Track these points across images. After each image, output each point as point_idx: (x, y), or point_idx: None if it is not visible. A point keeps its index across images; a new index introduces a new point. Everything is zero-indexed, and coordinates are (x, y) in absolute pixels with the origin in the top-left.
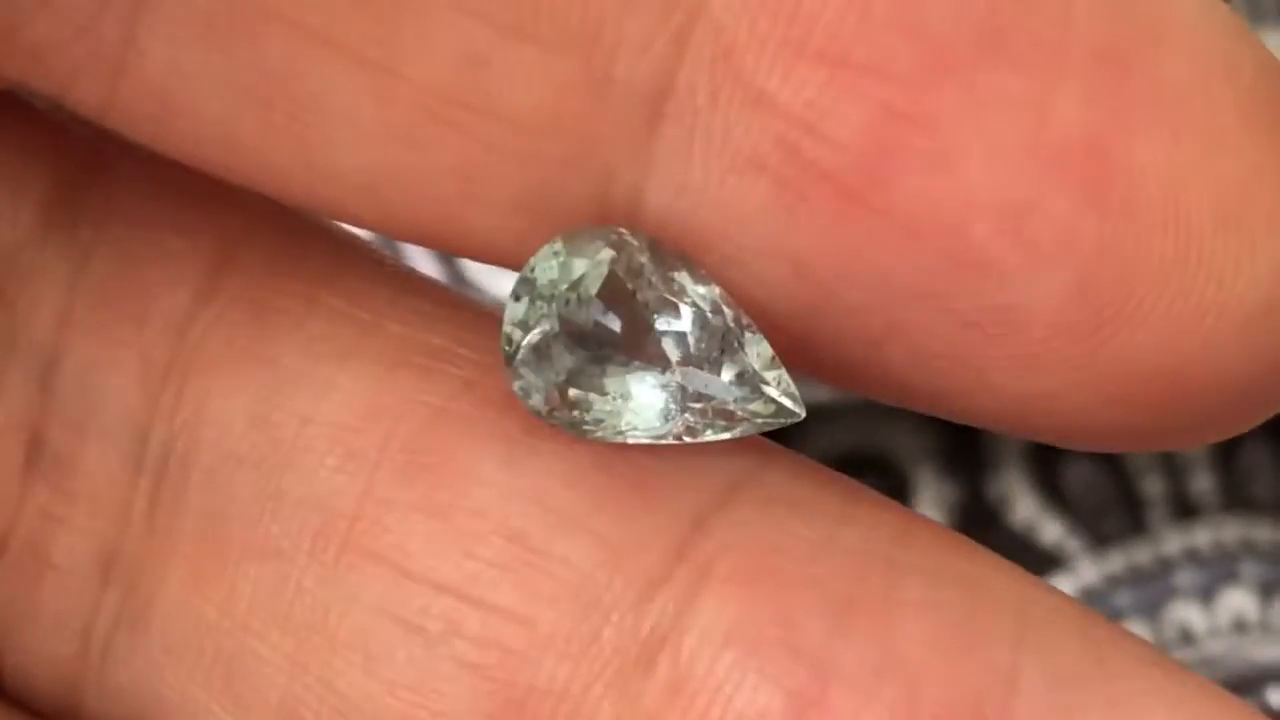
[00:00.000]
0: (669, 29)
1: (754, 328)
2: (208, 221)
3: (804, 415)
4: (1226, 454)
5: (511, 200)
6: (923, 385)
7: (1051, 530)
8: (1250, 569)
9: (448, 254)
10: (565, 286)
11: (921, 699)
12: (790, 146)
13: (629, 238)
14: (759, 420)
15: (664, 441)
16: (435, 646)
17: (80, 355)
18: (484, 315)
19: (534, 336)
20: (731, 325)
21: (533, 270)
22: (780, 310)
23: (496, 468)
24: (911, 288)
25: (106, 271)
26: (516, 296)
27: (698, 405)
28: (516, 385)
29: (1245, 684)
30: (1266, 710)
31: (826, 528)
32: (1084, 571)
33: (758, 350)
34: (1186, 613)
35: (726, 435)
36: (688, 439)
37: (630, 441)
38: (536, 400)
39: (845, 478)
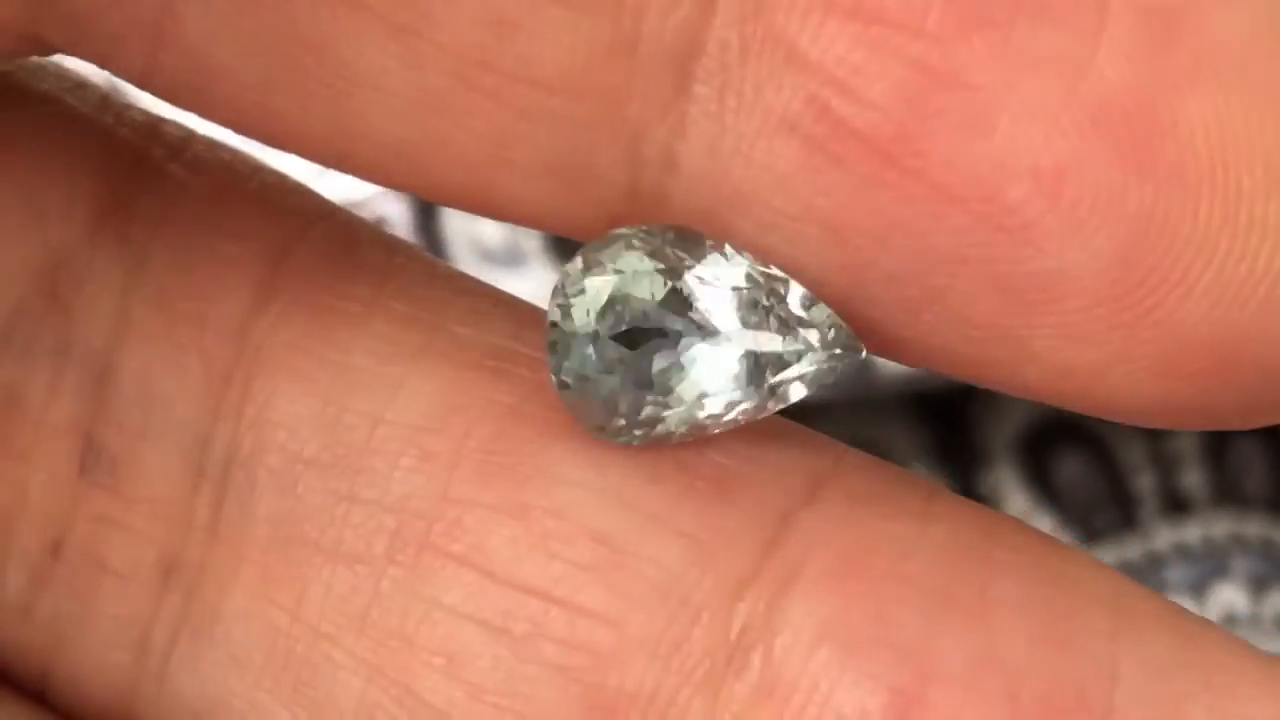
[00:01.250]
0: None
1: (787, 278)
2: (260, 226)
3: (864, 350)
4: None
5: (543, 164)
6: (965, 354)
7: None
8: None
9: (484, 217)
10: (601, 293)
11: (1023, 693)
12: (821, 105)
13: (652, 233)
14: (824, 367)
15: (744, 419)
16: (521, 649)
17: (138, 359)
18: (537, 313)
19: (580, 350)
20: (766, 283)
21: (569, 291)
22: (816, 276)
23: (576, 467)
24: (948, 252)
25: (161, 275)
26: (555, 321)
27: (764, 379)
28: (576, 414)
29: None
30: None
31: (915, 524)
32: (1126, 546)
33: (798, 297)
34: (1232, 596)
35: (802, 389)
36: (771, 407)
37: (715, 429)
38: (591, 418)
39: (921, 476)
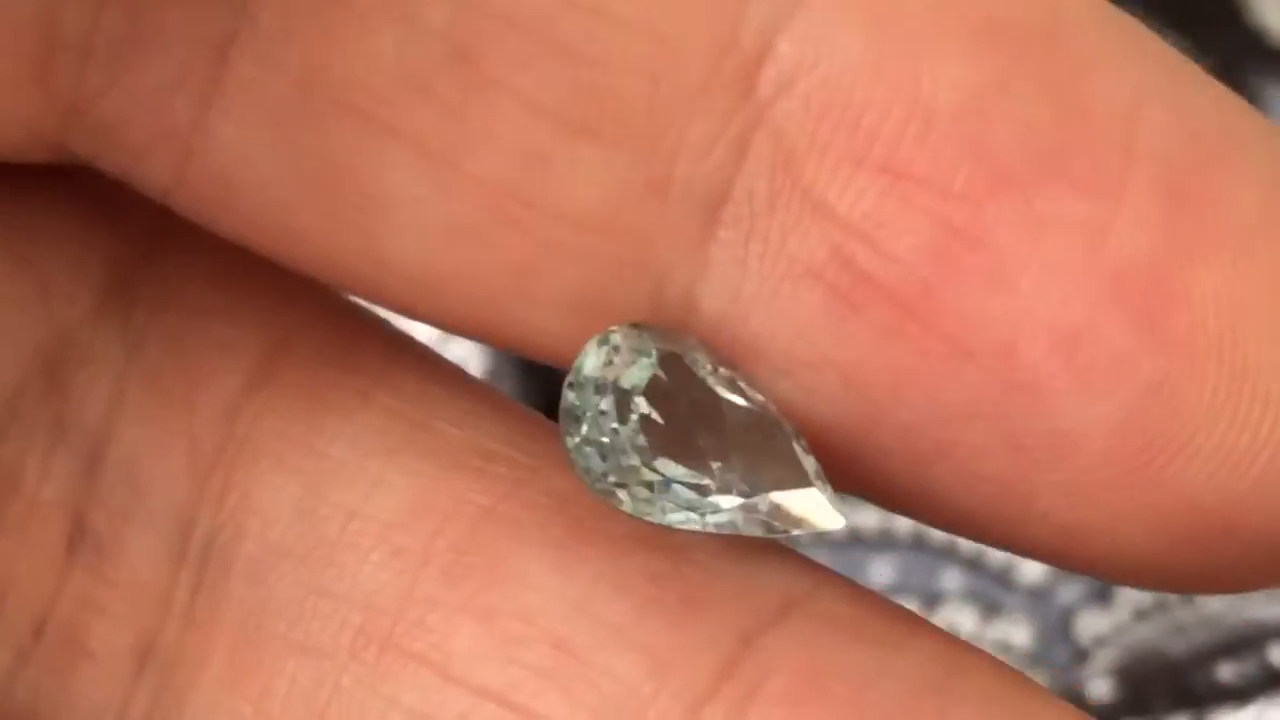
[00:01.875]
0: (730, 133)
1: (800, 439)
2: (262, 312)
3: (843, 526)
4: None
5: (566, 299)
6: (971, 510)
7: None
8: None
9: (504, 349)
10: (621, 384)
11: None
12: (846, 257)
13: (681, 337)
14: (794, 530)
15: (725, 532)
16: None
17: (128, 441)
18: (533, 418)
19: (599, 426)
20: (779, 429)
21: (588, 365)
22: (829, 425)
23: (545, 572)
24: (961, 407)
25: (158, 358)
26: (574, 392)
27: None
28: (579, 467)
29: (1246, 641)
30: (1268, 667)
31: (880, 653)
32: None
33: (803, 459)
34: None
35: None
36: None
37: (710, 526)
38: (601, 483)
39: (900, 606)
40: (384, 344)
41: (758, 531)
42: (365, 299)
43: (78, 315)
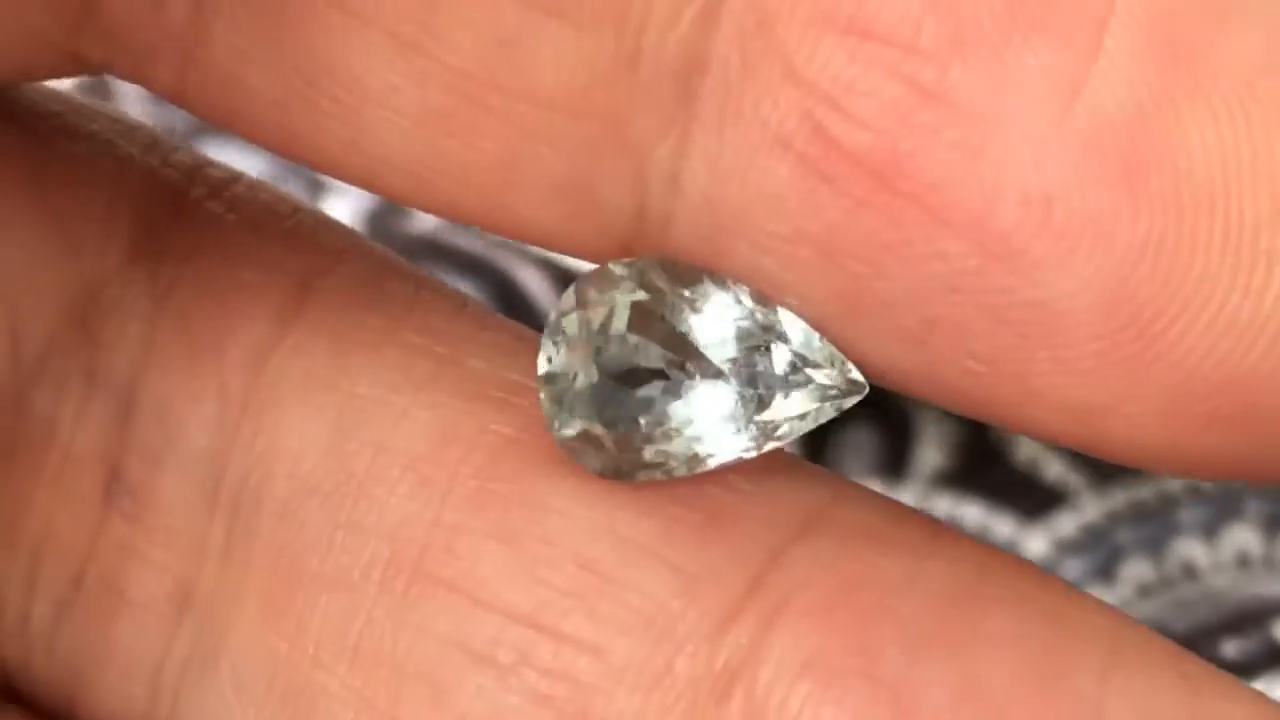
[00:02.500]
0: (698, 1)
1: (788, 306)
2: (288, 256)
3: (867, 388)
4: None
5: (550, 185)
6: (968, 389)
7: (1054, 467)
8: (1254, 505)
9: (500, 236)
10: (594, 332)
11: None
12: (815, 124)
13: (641, 265)
14: (827, 403)
15: (747, 455)
16: (505, 678)
17: (158, 387)
18: None
19: (575, 390)
20: (763, 318)
21: (560, 324)
22: (816, 301)
23: (568, 497)
24: (942, 279)
25: (187, 305)
26: (549, 359)
27: (763, 416)
28: (574, 456)
29: (1250, 618)
30: (1272, 643)
31: (908, 561)
32: (1087, 508)
33: (799, 334)
34: (1190, 548)
35: (802, 427)
36: (769, 446)
37: (712, 466)
38: (591, 460)
39: (925, 514)
40: (409, 283)
41: (796, 428)
42: (362, 188)
43: (107, 267)
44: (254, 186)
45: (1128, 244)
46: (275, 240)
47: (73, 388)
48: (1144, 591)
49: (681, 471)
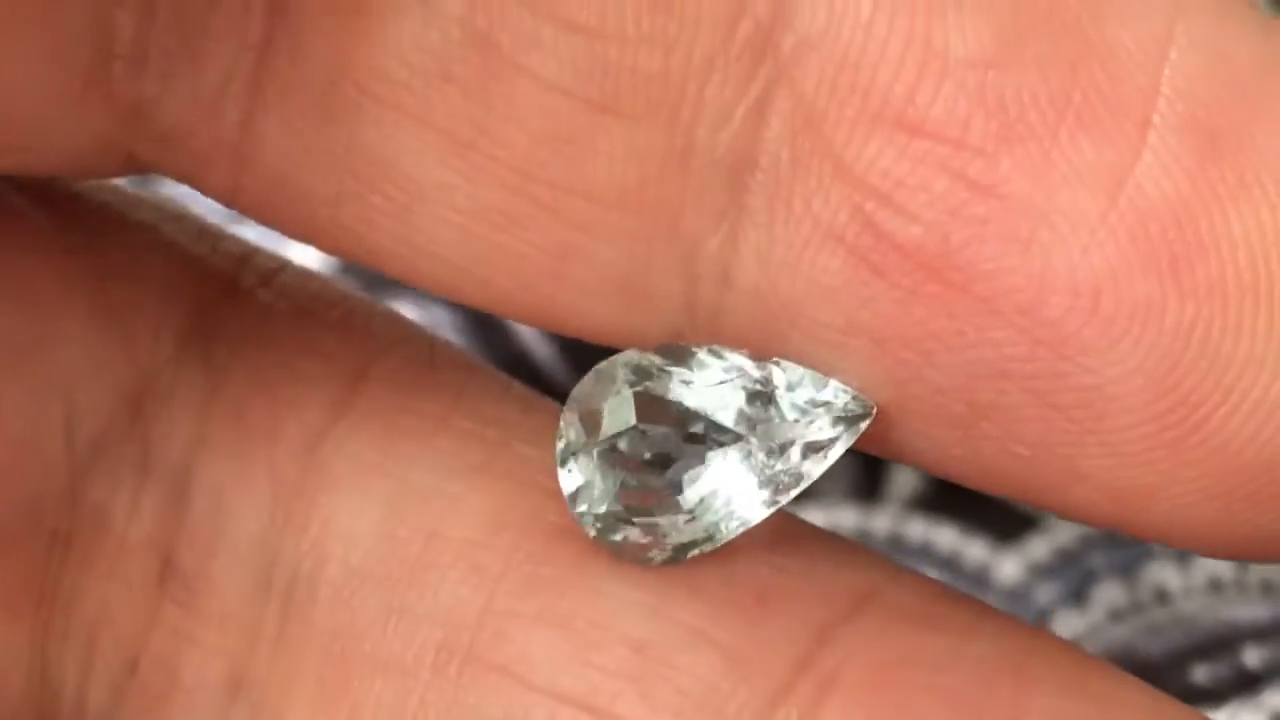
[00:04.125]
0: (749, 98)
1: (781, 362)
2: (340, 347)
3: (875, 410)
4: None
5: (601, 279)
6: (1015, 473)
7: None
8: None
9: (551, 331)
10: (606, 430)
11: None
12: (866, 218)
13: (634, 357)
14: (843, 432)
15: (776, 507)
16: None
17: (212, 474)
18: None
19: (598, 497)
20: (762, 373)
21: (569, 437)
22: (866, 391)
23: (619, 581)
24: (991, 366)
25: (239, 393)
26: (569, 475)
27: (778, 466)
28: (612, 550)
29: (1222, 643)
30: (1242, 669)
31: (954, 640)
32: (1059, 531)
33: (797, 378)
34: (1162, 573)
35: (825, 462)
36: (799, 487)
37: (754, 523)
38: (638, 559)
39: (969, 595)
40: (459, 369)
41: (818, 467)
42: (413, 286)
43: (161, 357)
44: (301, 274)
45: (1174, 330)
46: (326, 328)
47: (126, 476)
48: (1116, 615)
49: (719, 540)
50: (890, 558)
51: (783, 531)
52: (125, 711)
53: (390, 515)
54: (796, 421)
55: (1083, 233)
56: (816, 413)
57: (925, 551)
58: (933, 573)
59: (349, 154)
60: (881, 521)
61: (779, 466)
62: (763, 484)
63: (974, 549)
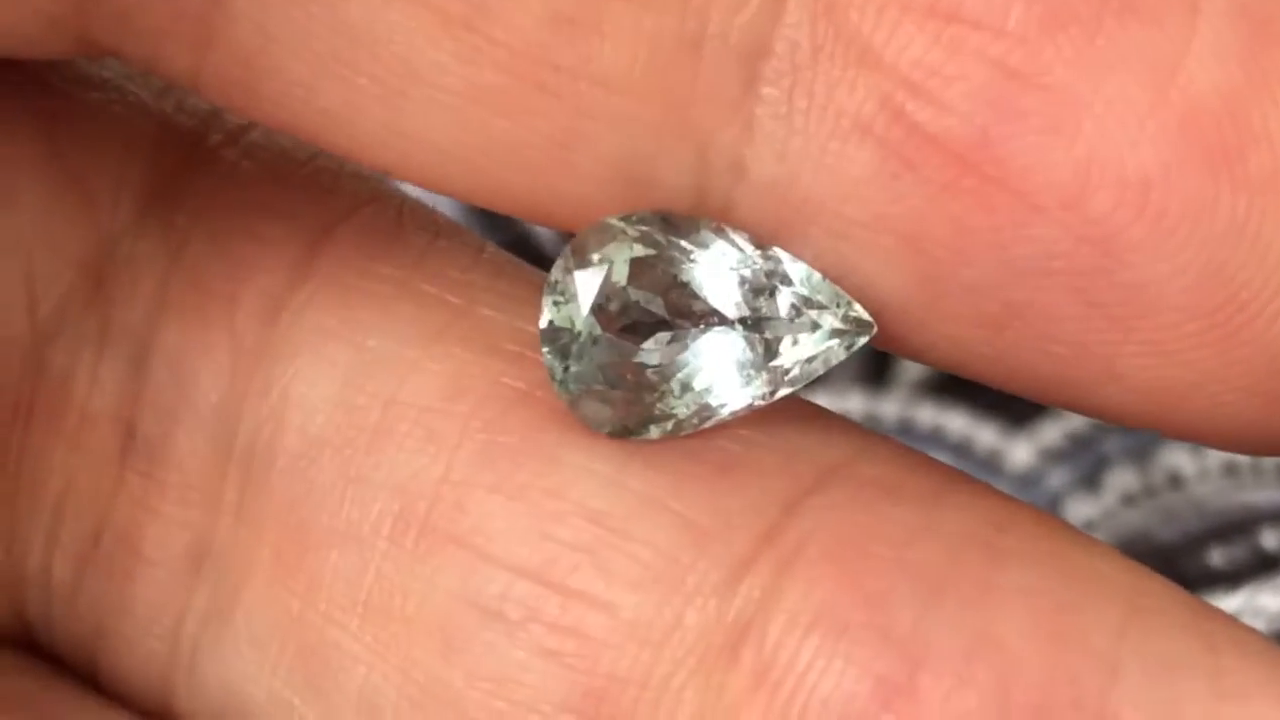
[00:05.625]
0: None
1: (793, 258)
2: (303, 206)
3: (876, 327)
4: None
5: (608, 167)
6: (1047, 374)
7: None
8: None
9: (546, 224)
10: (595, 287)
11: (1015, 684)
12: (896, 108)
13: (642, 219)
14: (837, 345)
15: (759, 404)
16: (514, 633)
17: (172, 341)
18: None
19: (578, 348)
20: (764, 263)
21: (559, 282)
22: (892, 288)
23: (578, 451)
24: (1031, 264)
25: (201, 258)
26: (550, 318)
27: (772, 362)
28: (582, 416)
29: (1238, 526)
30: (1259, 550)
31: (923, 512)
32: (1071, 417)
33: (802, 276)
34: (1176, 457)
35: (813, 370)
36: (781, 392)
37: (724, 415)
38: (599, 419)
39: (944, 464)
40: (427, 230)
41: (808, 375)
42: (397, 178)
43: (121, 220)
44: (270, 132)
45: (1226, 225)
46: (292, 188)
47: (88, 344)
48: (1129, 500)
49: (693, 424)
50: (903, 441)
51: None
52: (90, 581)
53: (348, 382)
54: (791, 321)
55: (1131, 124)
56: (815, 317)
57: (936, 437)
58: (944, 458)
59: (330, 33)
60: (890, 407)
61: (767, 363)
62: (746, 377)
63: (985, 434)
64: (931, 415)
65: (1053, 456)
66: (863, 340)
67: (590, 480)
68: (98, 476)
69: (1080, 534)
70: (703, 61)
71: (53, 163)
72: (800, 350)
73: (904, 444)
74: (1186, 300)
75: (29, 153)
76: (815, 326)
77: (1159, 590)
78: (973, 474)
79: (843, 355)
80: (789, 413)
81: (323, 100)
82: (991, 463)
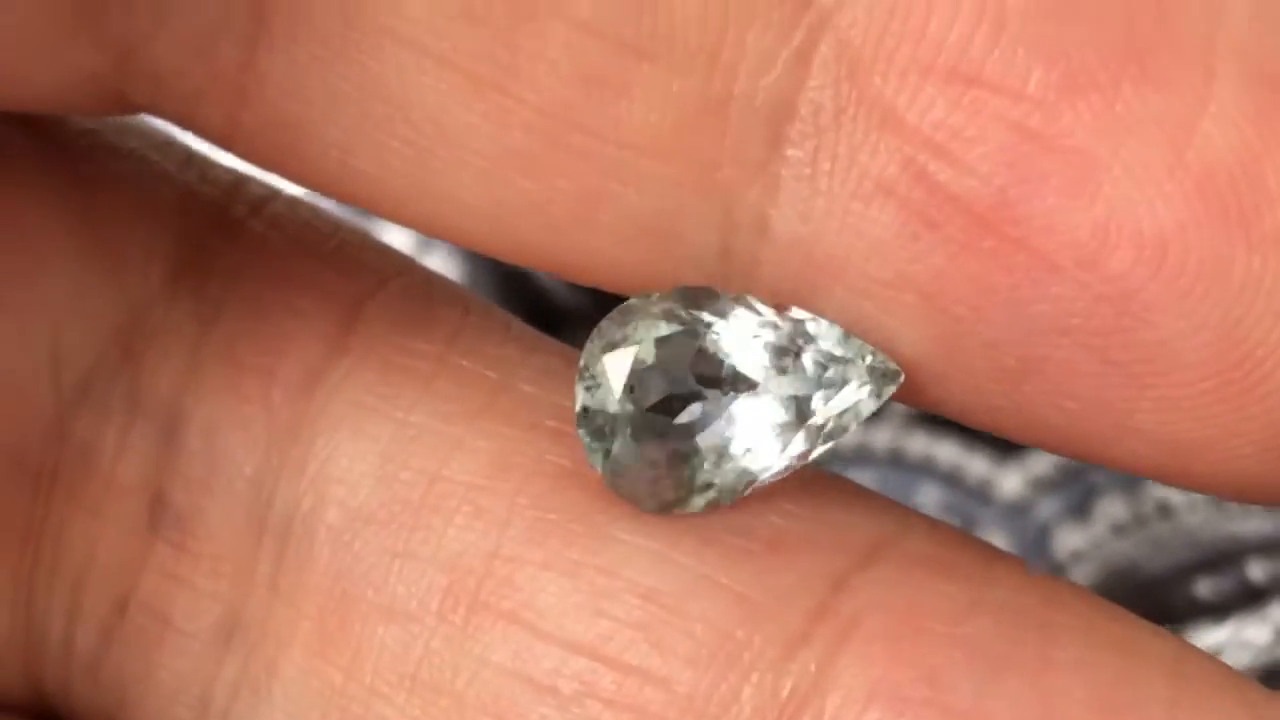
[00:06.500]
0: (792, 46)
1: (814, 317)
2: (335, 281)
3: (903, 375)
4: None
5: (633, 226)
6: (1064, 428)
7: None
8: None
9: (572, 280)
10: (625, 371)
11: None
12: (918, 170)
13: (659, 299)
14: (866, 398)
15: (796, 464)
16: (568, 708)
17: (205, 413)
18: None
19: (614, 429)
20: (788, 325)
21: (590, 367)
22: (912, 344)
23: (627, 528)
24: (1049, 322)
25: (234, 329)
26: (584, 404)
27: (806, 421)
28: (625, 495)
29: (1225, 557)
30: (1246, 583)
31: (974, 588)
32: None
33: (824, 333)
34: (1165, 488)
35: (847, 424)
36: (819, 450)
37: (766, 479)
38: (650, 503)
39: (985, 542)
40: (459, 306)
41: (841, 432)
42: (429, 235)
43: (151, 289)
44: (293, 203)
45: (1242, 283)
46: (320, 261)
47: (116, 413)
48: (1118, 530)
49: (735, 491)
50: (894, 470)
51: (792, 478)
52: (114, 653)
53: (391, 458)
54: (819, 379)
55: (1149, 186)
56: (843, 372)
57: (926, 466)
58: (934, 487)
59: (363, 95)
60: (882, 436)
61: (800, 423)
62: (782, 440)
63: (975, 464)
64: (923, 444)
65: (1043, 486)
66: (891, 389)
67: (641, 557)
68: (123, 546)
69: (1123, 611)
70: (729, 123)
71: (83, 231)
72: (831, 407)
73: (944, 521)
74: (1202, 357)
75: (59, 220)
76: (844, 381)
77: (1204, 662)
78: (963, 503)
79: (874, 406)
80: (832, 489)
81: (355, 161)
82: (982, 492)
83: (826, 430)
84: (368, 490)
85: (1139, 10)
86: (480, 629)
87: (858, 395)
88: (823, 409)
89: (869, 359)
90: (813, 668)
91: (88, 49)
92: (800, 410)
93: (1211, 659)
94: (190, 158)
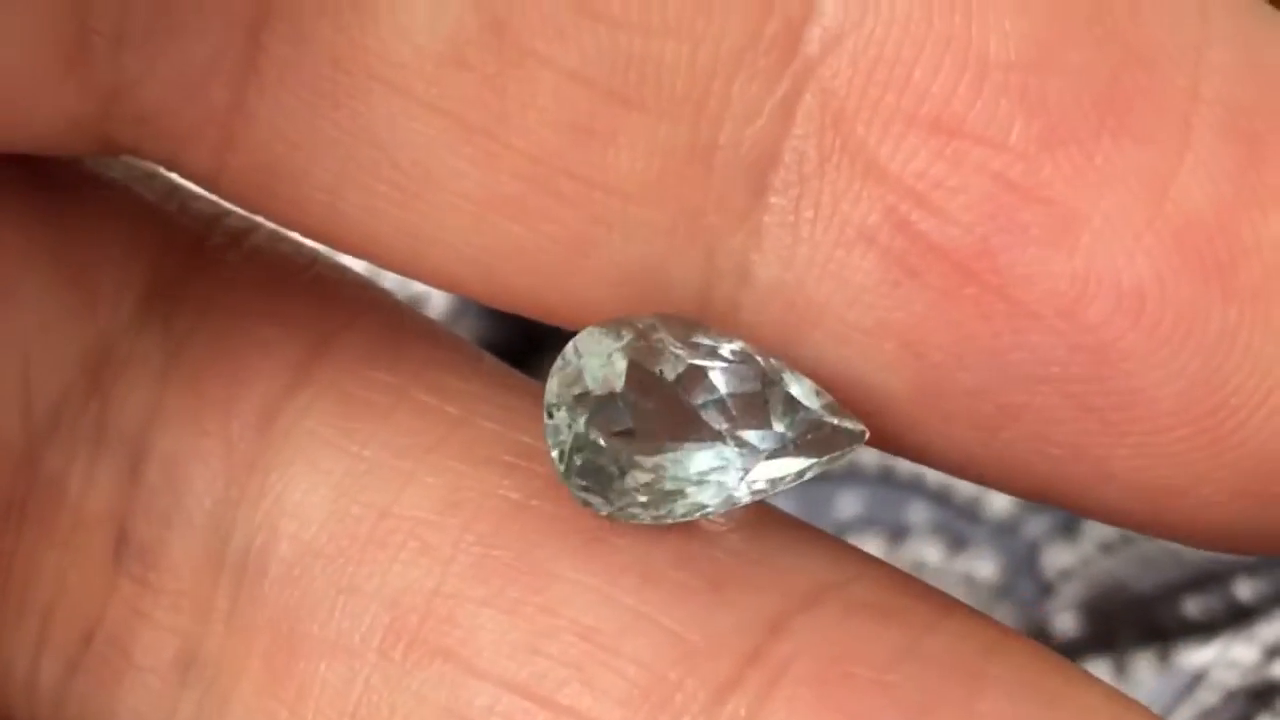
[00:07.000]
0: (776, 96)
1: (791, 369)
2: (303, 312)
3: (867, 436)
4: None
5: (620, 271)
6: (1041, 474)
7: None
8: None
9: (557, 324)
10: (593, 390)
11: None
12: (900, 219)
13: (639, 322)
14: (826, 456)
15: (735, 505)
16: None
17: (167, 445)
18: None
19: (579, 442)
20: (767, 371)
21: (556, 386)
22: (891, 390)
23: (573, 564)
24: (1028, 369)
25: (199, 360)
26: (550, 413)
27: (765, 473)
28: (578, 495)
29: (1213, 576)
30: (1233, 601)
31: (910, 636)
32: None
33: (800, 389)
34: None
35: (802, 477)
36: (774, 493)
37: (713, 517)
38: (599, 503)
39: (942, 592)
40: (426, 340)
41: (813, 457)
42: (415, 279)
43: (121, 321)
44: (273, 237)
45: (1218, 334)
46: (293, 293)
47: (83, 445)
48: (1107, 548)
49: (681, 517)
50: (883, 488)
51: (746, 517)
52: (78, 686)
53: (343, 492)
54: (784, 434)
55: (1127, 237)
56: (807, 425)
57: (916, 484)
58: (923, 505)
59: (352, 139)
60: (871, 453)
61: (756, 473)
62: (737, 487)
63: (964, 483)
64: (910, 465)
65: (1032, 504)
66: (853, 450)
67: (583, 595)
68: (90, 579)
69: (1065, 663)
70: (714, 171)
71: (56, 260)
72: (789, 464)
73: (904, 572)
74: (1179, 405)
75: (33, 248)
76: (807, 435)
77: (1137, 718)
78: (953, 520)
79: (828, 466)
80: (786, 530)
81: (341, 204)
82: (970, 510)
83: (784, 481)
84: (318, 525)
85: (1119, 63)
86: (419, 666)
87: (816, 455)
88: (781, 460)
89: (833, 416)
90: (743, 712)
91: (74, 94)
92: (755, 455)
93: (1150, 715)
94: (173, 189)
